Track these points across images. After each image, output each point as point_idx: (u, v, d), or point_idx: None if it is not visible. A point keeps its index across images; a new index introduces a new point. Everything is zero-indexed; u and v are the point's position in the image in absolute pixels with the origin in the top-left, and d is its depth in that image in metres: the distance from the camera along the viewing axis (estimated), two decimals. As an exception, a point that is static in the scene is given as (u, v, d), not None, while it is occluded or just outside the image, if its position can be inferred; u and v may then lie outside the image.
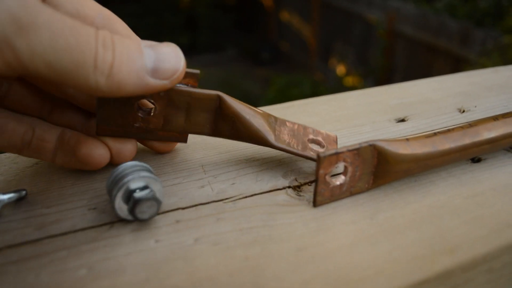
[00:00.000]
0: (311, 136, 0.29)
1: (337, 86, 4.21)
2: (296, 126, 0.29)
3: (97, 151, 0.26)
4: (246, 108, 0.27)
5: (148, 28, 5.55)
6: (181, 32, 5.59)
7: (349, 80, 4.18)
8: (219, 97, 0.26)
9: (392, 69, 3.66)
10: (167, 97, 0.26)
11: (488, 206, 0.25)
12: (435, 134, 0.26)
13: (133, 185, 0.23)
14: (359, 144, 0.24)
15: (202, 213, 0.25)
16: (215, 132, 0.27)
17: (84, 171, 0.28)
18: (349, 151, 0.24)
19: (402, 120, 0.35)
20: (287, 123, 0.29)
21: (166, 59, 0.22)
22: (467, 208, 0.25)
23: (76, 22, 0.20)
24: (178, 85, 0.26)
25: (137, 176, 0.23)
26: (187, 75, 0.26)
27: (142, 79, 0.22)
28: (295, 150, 0.27)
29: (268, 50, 5.28)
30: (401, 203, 0.25)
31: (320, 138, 0.29)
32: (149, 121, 0.27)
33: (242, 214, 0.24)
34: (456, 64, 2.97)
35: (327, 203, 0.25)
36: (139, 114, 0.26)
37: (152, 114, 0.27)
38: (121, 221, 0.24)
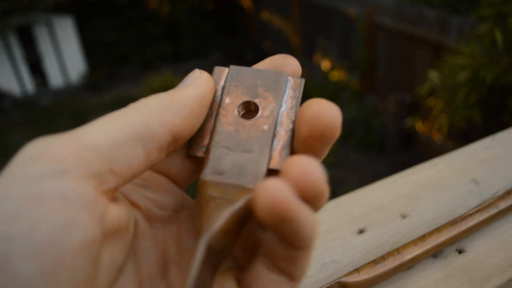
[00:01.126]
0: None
1: (323, 82, 4.30)
2: None
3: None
4: None
5: (131, 40, 5.61)
6: (164, 41, 5.65)
7: (335, 75, 4.26)
8: None
9: (375, 61, 3.75)
10: None
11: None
12: (375, 263, 0.35)
13: None
14: (329, 283, 0.32)
15: None
16: None
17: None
18: (324, 291, 0.32)
19: (362, 231, 0.42)
20: None
21: None
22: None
23: None
24: None
25: None
26: None
27: None
28: None
29: (252, 51, 5.35)
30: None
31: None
32: None
33: None
34: (436, 51, 3.05)
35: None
36: None
37: None
38: None
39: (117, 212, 0.18)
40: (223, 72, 0.23)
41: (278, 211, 0.16)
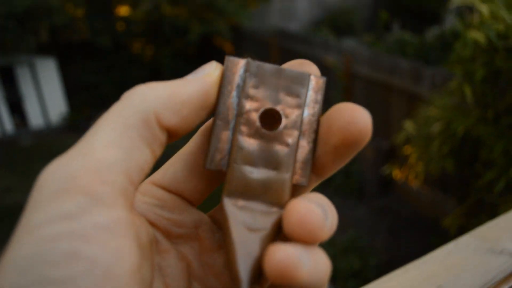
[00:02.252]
0: None
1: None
2: None
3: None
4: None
5: (113, 83, 5.64)
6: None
7: (314, 120, 4.34)
8: None
9: (353, 107, 3.85)
10: None
11: None
12: None
13: None
14: None
15: None
16: None
17: None
18: None
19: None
20: None
21: None
22: None
23: None
24: None
25: None
26: None
27: None
28: None
29: (234, 94, 5.41)
30: None
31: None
32: None
33: None
34: (411, 100, 3.16)
35: None
36: None
37: None
38: None
39: (138, 223, 0.18)
40: (237, 66, 0.20)
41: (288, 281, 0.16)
